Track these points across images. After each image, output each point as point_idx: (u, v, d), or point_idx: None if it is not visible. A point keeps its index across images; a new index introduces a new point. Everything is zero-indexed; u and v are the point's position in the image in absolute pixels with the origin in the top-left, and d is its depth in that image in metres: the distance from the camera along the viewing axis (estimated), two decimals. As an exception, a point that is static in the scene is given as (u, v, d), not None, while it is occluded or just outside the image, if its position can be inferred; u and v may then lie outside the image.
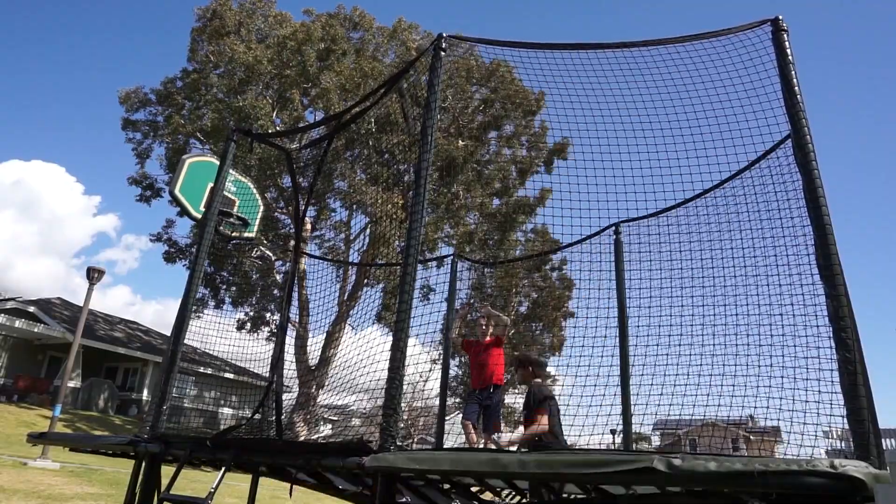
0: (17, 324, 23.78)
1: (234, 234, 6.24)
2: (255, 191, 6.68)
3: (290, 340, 19.34)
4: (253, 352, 6.45)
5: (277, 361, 4.57)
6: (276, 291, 21.57)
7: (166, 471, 3.93)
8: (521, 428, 5.12)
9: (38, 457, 11.78)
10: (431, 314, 6.65)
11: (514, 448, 4.96)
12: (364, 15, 22.76)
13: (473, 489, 3.56)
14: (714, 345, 4.31)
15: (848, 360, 2.28)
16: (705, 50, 3.32)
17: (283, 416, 4.15)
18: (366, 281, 20.67)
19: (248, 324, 21.34)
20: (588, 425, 4.57)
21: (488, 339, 5.74)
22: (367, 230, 20.98)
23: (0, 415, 18.77)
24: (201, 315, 5.39)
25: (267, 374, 4.64)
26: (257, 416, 5.06)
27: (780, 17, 3.02)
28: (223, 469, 3.49)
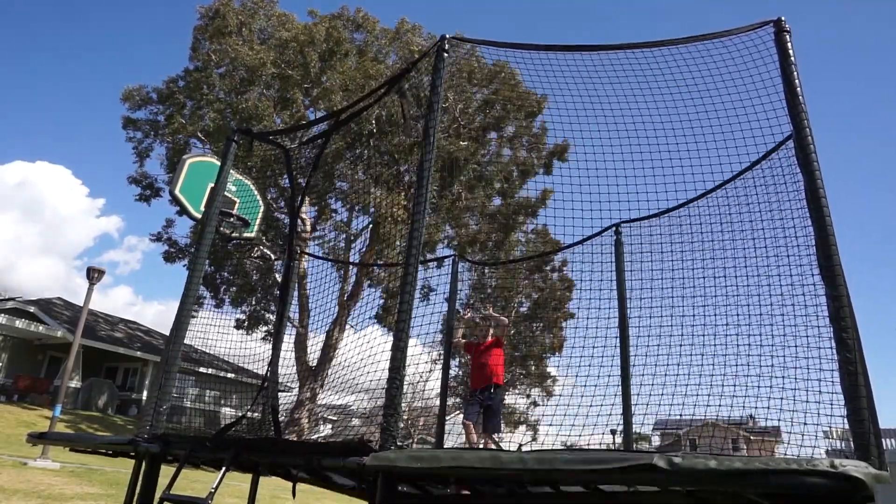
0: (18, 324, 23.77)
1: (234, 234, 6.25)
2: (255, 191, 6.68)
3: (289, 339, 19.34)
4: (253, 351, 6.45)
5: (272, 359, 4.56)
6: (276, 291, 21.59)
7: (166, 471, 3.93)
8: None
9: (38, 457, 11.78)
10: (432, 314, 6.64)
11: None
12: (367, 17, 22.73)
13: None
14: (714, 344, 4.31)
15: (848, 361, 2.28)
16: (707, 51, 3.32)
17: (279, 415, 4.14)
18: (367, 282, 20.70)
19: (247, 323, 21.35)
20: (588, 425, 4.57)
21: (488, 339, 5.77)
22: (368, 230, 21.01)
23: (0, 415, 18.77)
24: (195, 315, 5.37)
25: (269, 376, 4.63)
26: (257, 416, 5.06)
27: (783, 19, 3.02)
28: (223, 469, 3.48)
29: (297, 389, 19.54)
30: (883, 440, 2.41)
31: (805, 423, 3.29)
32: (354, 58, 21.07)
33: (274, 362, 4.57)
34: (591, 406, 4.72)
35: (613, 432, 5.54)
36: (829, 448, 3.88)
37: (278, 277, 21.05)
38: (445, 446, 6.31)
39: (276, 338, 4.91)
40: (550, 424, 5.17)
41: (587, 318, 5.49)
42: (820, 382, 3.17)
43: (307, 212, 20.96)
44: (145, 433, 4.15)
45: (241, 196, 6.39)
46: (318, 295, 7.70)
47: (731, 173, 4.19)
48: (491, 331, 5.84)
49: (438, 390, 7.06)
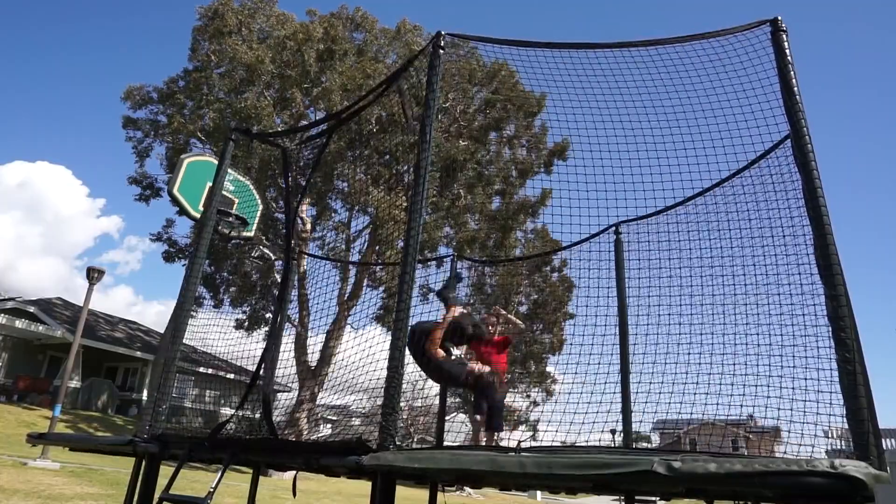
0: (18, 324, 23.77)
1: (232, 233, 6.25)
2: (253, 190, 6.69)
3: (288, 339, 19.31)
4: (253, 351, 6.45)
5: (264, 356, 4.54)
6: (276, 291, 21.58)
7: (166, 471, 3.94)
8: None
9: (38, 457, 11.78)
10: (431, 313, 6.64)
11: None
12: (366, 16, 22.73)
13: None
14: (714, 343, 4.31)
15: (847, 360, 2.28)
16: (704, 50, 3.32)
17: (275, 414, 4.13)
18: (367, 283, 20.70)
19: (247, 323, 21.35)
20: (588, 422, 4.55)
21: (498, 338, 5.69)
22: (368, 230, 21.02)
23: (0, 415, 18.77)
24: (194, 315, 5.37)
25: (262, 373, 4.62)
26: (256, 416, 5.05)
27: (780, 18, 3.02)
28: (222, 469, 3.48)
29: (297, 389, 19.55)
30: (883, 440, 2.41)
31: (805, 423, 3.29)
32: (353, 57, 21.06)
33: (266, 359, 4.55)
34: (589, 404, 4.71)
35: (613, 432, 5.53)
36: (829, 448, 3.87)
37: (278, 277, 21.04)
38: (444, 445, 6.29)
39: (269, 337, 4.90)
40: (550, 422, 5.16)
41: (586, 318, 5.48)
42: (819, 382, 3.16)
43: (307, 212, 20.97)
44: (144, 433, 4.15)
45: (240, 195, 6.39)
46: (318, 295, 7.70)
47: (730, 172, 4.18)
48: (498, 328, 5.74)
49: (438, 390, 7.04)
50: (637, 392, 5.12)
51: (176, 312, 4.44)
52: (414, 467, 2.60)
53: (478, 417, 5.26)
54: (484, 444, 5.20)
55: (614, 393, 5.11)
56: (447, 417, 7.70)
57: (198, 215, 6.12)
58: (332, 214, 21.82)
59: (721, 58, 3.29)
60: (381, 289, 18.86)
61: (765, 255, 3.87)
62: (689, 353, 4.39)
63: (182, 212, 6.88)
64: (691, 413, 4.13)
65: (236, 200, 6.28)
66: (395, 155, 18.53)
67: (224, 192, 5.77)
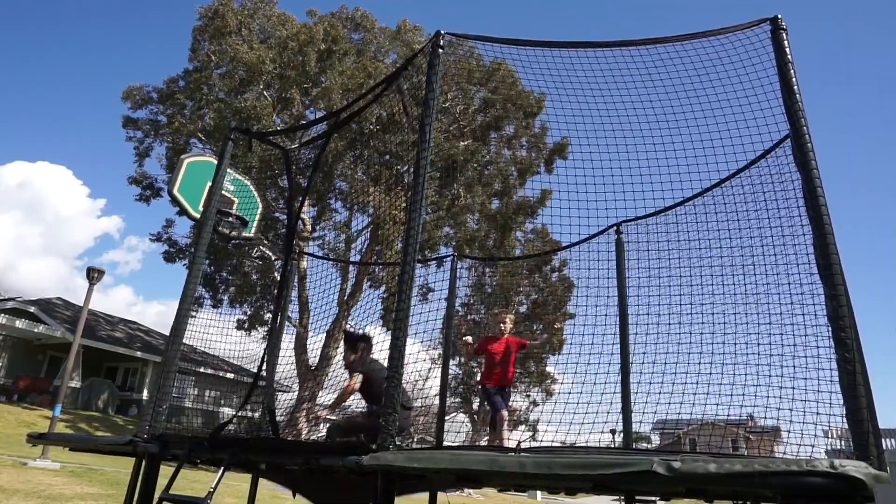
0: (18, 324, 23.77)
1: (232, 233, 6.24)
2: (253, 190, 6.68)
3: (289, 339, 19.26)
4: (253, 351, 6.45)
5: (265, 357, 4.54)
6: (276, 291, 21.56)
7: (166, 471, 3.94)
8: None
9: (38, 457, 11.78)
10: (430, 313, 6.65)
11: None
12: (367, 16, 22.75)
13: None
14: (714, 343, 4.30)
15: (847, 360, 2.27)
16: (704, 49, 3.31)
17: (277, 415, 4.14)
18: (368, 283, 20.69)
19: (247, 324, 21.34)
20: (588, 423, 4.55)
21: (515, 338, 5.64)
22: (368, 230, 21.01)
23: (0, 415, 18.77)
24: (194, 315, 5.37)
25: (263, 373, 4.62)
26: (256, 416, 5.05)
27: (780, 17, 3.01)
28: (222, 469, 3.48)
29: (297, 390, 19.54)
30: (883, 440, 2.41)
31: (805, 423, 3.29)
32: (353, 57, 21.05)
33: (269, 361, 4.56)
34: (589, 404, 4.71)
35: (613, 432, 5.52)
36: (829, 448, 3.87)
37: (279, 277, 20.99)
38: (444, 444, 6.29)
39: (270, 337, 4.91)
40: (550, 422, 5.15)
41: (586, 318, 5.47)
42: (819, 382, 3.16)
43: (307, 212, 20.96)
44: (144, 433, 4.15)
45: (240, 195, 6.39)
46: (318, 295, 7.72)
47: (729, 172, 4.18)
48: (509, 326, 5.67)
49: (438, 389, 7.05)
50: (637, 392, 5.12)
51: (178, 312, 4.44)
52: (414, 467, 2.60)
53: (504, 413, 5.23)
54: (501, 430, 5.18)
55: (614, 393, 5.10)
56: (447, 417, 7.69)
57: (198, 215, 6.12)
58: (333, 214, 21.82)
59: (721, 57, 3.28)
60: (382, 289, 18.85)
61: (765, 255, 3.87)
62: (689, 353, 4.38)
63: (182, 212, 6.88)
64: (691, 413, 4.12)
65: (236, 200, 6.28)
66: (397, 154, 18.54)
67: (224, 192, 5.77)
